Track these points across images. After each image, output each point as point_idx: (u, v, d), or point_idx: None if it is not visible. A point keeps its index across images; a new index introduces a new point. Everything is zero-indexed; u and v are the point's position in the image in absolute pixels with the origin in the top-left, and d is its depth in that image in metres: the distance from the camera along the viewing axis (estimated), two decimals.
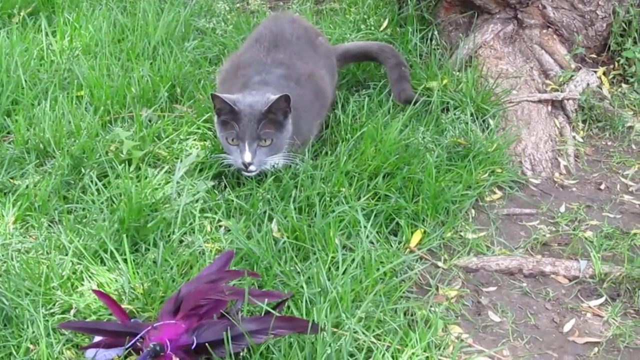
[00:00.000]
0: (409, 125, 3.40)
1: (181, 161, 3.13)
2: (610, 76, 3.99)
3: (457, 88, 3.69)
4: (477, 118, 3.56)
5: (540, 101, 3.74)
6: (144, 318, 2.46)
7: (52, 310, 2.49)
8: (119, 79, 3.69)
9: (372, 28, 4.22)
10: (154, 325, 2.31)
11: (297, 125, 3.11)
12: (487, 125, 3.54)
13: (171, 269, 2.64)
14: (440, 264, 2.86)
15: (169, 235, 2.81)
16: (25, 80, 3.67)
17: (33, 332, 2.37)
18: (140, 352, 2.27)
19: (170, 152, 3.26)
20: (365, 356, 2.33)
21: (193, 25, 4.38)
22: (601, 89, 3.86)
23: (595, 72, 3.95)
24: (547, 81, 3.88)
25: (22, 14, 4.43)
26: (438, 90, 3.60)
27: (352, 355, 2.33)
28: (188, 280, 2.51)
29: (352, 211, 2.87)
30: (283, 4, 4.84)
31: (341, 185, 3.02)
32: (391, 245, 2.85)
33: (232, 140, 3.01)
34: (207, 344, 2.24)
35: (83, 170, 3.11)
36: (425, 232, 2.94)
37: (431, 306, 2.62)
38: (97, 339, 2.34)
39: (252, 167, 2.99)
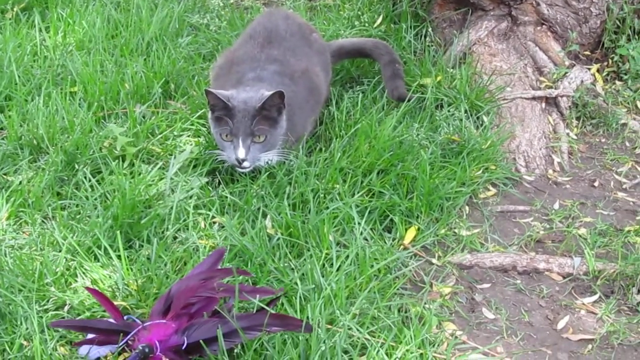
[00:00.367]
0: (403, 121, 3.40)
1: (175, 157, 3.12)
2: (604, 73, 4.00)
3: (451, 85, 3.69)
4: (471, 115, 3.56)
5: (534, 98, 3.74)
6: (138, 314, 2.45)
7: (45, 307, 2.48)
8: (112, 75, 3.68)
9: (366, 24, 4.21)
10: (144, 325, 2.30)
11: (291, 121, 3.10)
12: (481, 122, 3.54)
13: (165, 265, 2.64)
14: (434, 260, 2.87)
15: (162, 232, 2.80)
16: (19, 76, 3.66)
17: (27, 328, 2.36)
18: (133, 350, 2.27)
19: (164, 149, 3.26)
20: (359, 353, 2.34)
21: (187, 22, 4.37)
22: (595, 86, 3.87)
23: (589, 69, 3.95)
24: (541, 78, 3.89)
25: (15, 9, 4.42)
26: (432, 87, 3.60)
27: (346, 352, 2.33)
28: (179, 279, 2.50)
29: (346, 208, 2.87)
30: (277, 0, 4.83)
31: (335, 182, 3.01)
32: (385, 242, 2.85)
33: (226, 136, 3.00)
34: (200, 342, 2.24)
35: (77, 166, 3.10)
36: (419, 229, 2.94)
37: (425, 303, 2.62)
38: (91, 335, 2.34)
39: (246, 164, 2.99)
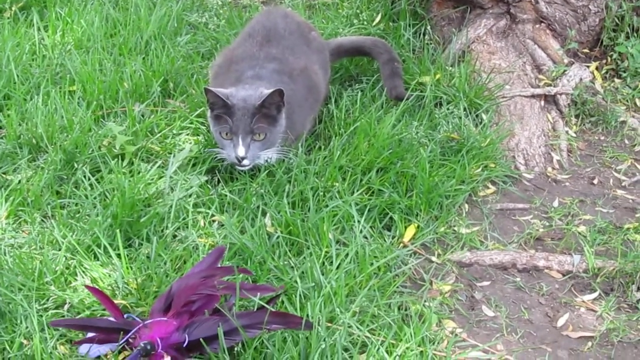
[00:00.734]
0: (402, 119, 3.40)
1: (174, 156, 3.12)
2: (603, 71, 3.99)
3: (450, 83, 3.69)
4: (470, 113, 3.56)
5: (533, 96, 3.74)
6: (138, 313, 2.45)
7: (45, 306, 2.48)
8: (111, 73, 3.67)
9: (365, 23, 4.21)
10: (145, 323, 2.30)
11: (291, 119, 3.10)
12: (480, 120, 3.54)
13: (165, 264, 2.64)
14: (434, 258, 2.87)
15: (162, 230, 2.80)
16: (17, 75, 3.66)
17: (27, 327, 2.36)
18: (134, 348, 2.27)
19: (163, 147, 3.25)
20: (359, 351, 2.34)
21: (185, 20, 4.37)
22: (594, 83, 3.86)
23: (588, 66, 3.95)
24: (540, 76, 3.89)
25: (13, 8, 4.41)
26: (431, 85, 3.60)
27: (346, 350, 2.33)
28: (180, 277, 2.50)
29: (346, 206, 2.87)
30: None
31: (334, 180, 3.01)
32: (385, 240, 2.85)
33: (226, 134, 3.00)
34: (201, 340, 2.24)
35: (76, 165, 3.10)
36: (418, 226, 2.94)
37: (425, 301, 2.62)
38: (91, 334, 2.34)
39: (245, 162, 2.99)
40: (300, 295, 2.46)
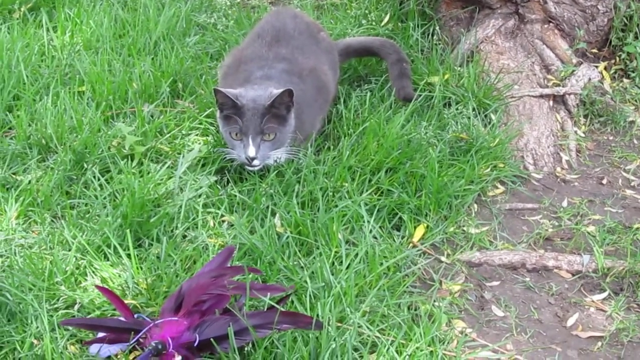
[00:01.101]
0: (411, 120, 3.40)
1: (183, 156, 3.12)
2: (612, 71, 3.99)
3: (459, 83, 3.69)
4: (479, 113, 3.56)
5: (541, 96, 3.74)
6: (148, 313, 2.46)
7: (55, 306, 2.49)
8: (120, 74, 3.68)
9: (374, 23, 4.21)
10: (156, 322, 2.31)
11: (300, 119, 3.11)
12: (489, 120, 3.54)
13: (174, 264, 2.64)
14: (443, 258, 2.87)
15: (172, 231, 2.81)
16: (27, 76, 3.67)
17: (37, 327, 2.36)
18: (144, 348, 2.27)
19: (173, 148, 3.26)
20: (369, 350, 2.34)
21: (194, 21, 4.38)
22: (602, 83, 3.86)
23: (597, 67, 3.95)
24: (549, 76, 3.88)
25: (22, 9, 4.43)
26: (440, 85, 3.60)
27: (356, 350, 2.33)
28: (190, 277, 2.51)
29: (355, 206, 2.87)
30: None
31: (344, 180, 3.02)
32: (394, 240, 2.85)
33: (236, 135, 3.01)
34: (211, 339, 2.24)
35: (85, 165, 3.10)
36: (428, 226, 2.95)
37: (435, 301, 2.62)
38: (101, 334, 2.34)
39: (255, 162, 2.99)
40: (310, 295, 2.46)
